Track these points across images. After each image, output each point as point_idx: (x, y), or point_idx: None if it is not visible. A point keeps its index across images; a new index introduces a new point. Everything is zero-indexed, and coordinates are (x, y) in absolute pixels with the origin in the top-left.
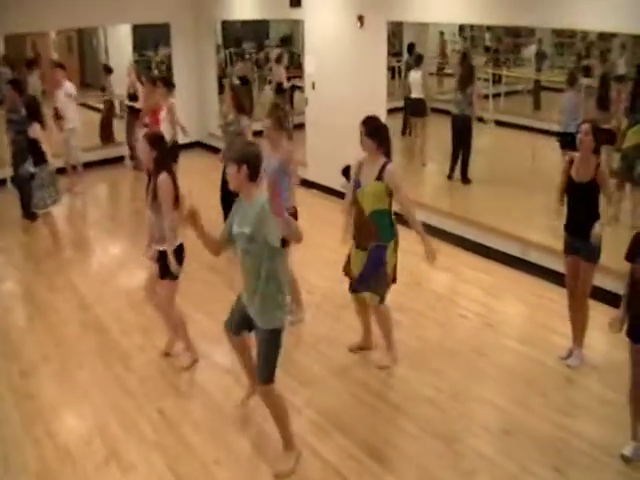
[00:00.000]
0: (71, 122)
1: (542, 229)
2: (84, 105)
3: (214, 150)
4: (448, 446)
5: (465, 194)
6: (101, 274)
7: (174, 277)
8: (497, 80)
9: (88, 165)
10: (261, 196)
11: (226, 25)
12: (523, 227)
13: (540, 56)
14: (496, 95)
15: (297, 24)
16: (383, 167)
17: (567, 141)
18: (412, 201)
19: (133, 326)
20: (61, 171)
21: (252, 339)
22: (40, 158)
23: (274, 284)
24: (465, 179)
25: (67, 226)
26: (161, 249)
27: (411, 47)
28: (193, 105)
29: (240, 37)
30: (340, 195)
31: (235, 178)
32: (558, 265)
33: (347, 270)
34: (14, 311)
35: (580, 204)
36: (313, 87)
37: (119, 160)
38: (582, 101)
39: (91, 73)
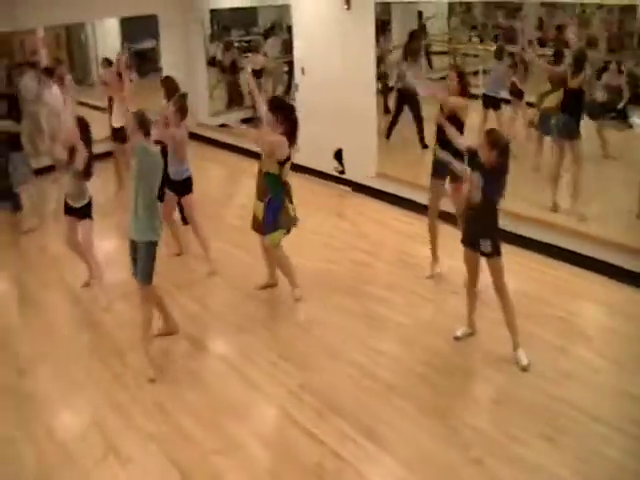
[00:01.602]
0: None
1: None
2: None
3: (203, 140)
4: (441, 422)
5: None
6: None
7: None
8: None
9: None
10: None
11: (214, 14)
12: None
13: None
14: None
15: (285, 9)
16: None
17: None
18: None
19: (126, 319)
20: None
21: None
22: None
23: None
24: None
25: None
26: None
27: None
28: None
29: (228, 25)
30: (333, 179)
31: None
32: (547, 237)
33: (254, 224)
34: (8, 310)
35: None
36: (303, 72)
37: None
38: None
39: (80, 69)
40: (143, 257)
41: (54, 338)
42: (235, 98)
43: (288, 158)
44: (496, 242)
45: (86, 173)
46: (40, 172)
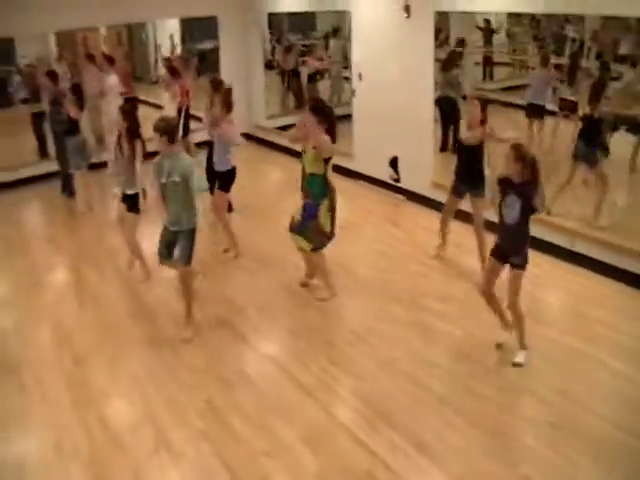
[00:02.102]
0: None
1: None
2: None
3: (260, 141)
4: (494, 439)
5: None
6: (149, 262)
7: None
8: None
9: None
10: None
11: (273, 17)
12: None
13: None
14: None
15: (343, 15)
16: (319, 138)
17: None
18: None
19: (181, 315)
20: None
21: None
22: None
23: None
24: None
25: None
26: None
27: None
28: (240, 97)
29: (287, 29)
30: (387, 186)
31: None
32: (605, 256)
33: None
34: (66, 299)
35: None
36: (360, 78)
37: None
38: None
39: (141, 67)
40: (184, 242)
41: (109, 329)
42: (295, 101)
43: (330, 157)
44: (526, 257)
45: (129, 160)
46: (102, 165)
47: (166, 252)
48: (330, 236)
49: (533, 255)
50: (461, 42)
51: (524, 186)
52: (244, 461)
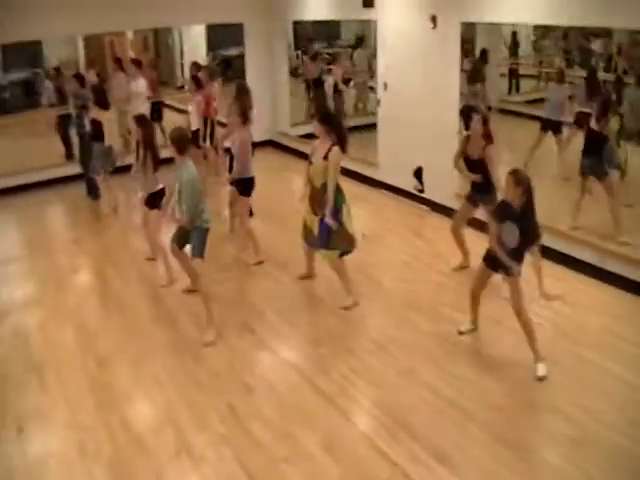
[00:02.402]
0: None
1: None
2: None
3: (284, 149)
4: (516, 453)
5: None
6: (173, 267)
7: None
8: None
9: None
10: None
11: (298, 25)
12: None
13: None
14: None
15: (369, 24)
16: (329, 149)
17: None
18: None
19: (203, 319)
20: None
21: None
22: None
23: None
24: None
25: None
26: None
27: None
28: (265, 104)
29: (312, 37)
30: (411, 197)
31: None
32: (633, 273)
33: (305, 233)
34: (90, 301)
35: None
36: (385, 87)
37: None
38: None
39: (166, 72)
40: (196, 241)
41: (132, 332)
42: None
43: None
44: (519, 265)
45: (143, 164)
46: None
47: (180, 241)
48: (353, 242)
49: (558, 270)
50: (483, 53)
51: (523, 212)
52: (264, 467)
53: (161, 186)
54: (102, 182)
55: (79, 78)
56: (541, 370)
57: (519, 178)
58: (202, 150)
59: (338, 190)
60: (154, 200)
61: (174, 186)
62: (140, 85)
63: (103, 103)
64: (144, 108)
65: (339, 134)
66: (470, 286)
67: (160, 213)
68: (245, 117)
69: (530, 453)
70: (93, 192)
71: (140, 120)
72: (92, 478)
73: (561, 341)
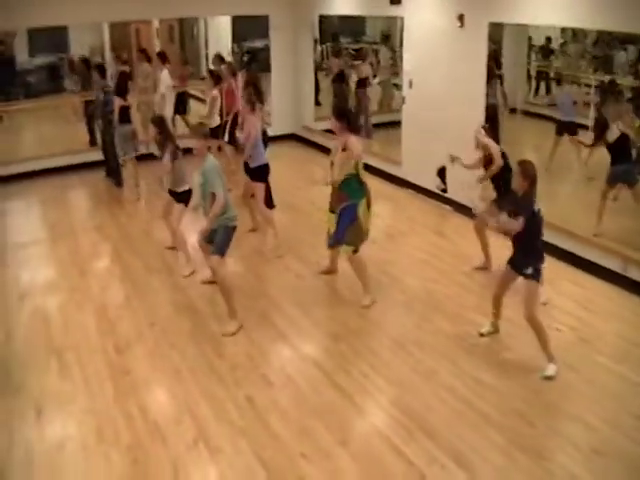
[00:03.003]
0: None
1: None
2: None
3: (308, 143)
4: (535, 461)
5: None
6: (195, 258)
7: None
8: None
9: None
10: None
11: (323, 20)
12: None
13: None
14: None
15: (394, 21)
16: (346, 141)
17: None
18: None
19: (224, 310)
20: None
21: None
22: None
23: None
24: None
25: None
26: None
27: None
28: (289, 98)
29: (337, 32)
30: (434, 196)
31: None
32: None
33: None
34: (111, 289)
35: None
36: (410, 85)
37: None
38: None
39: (191, 63)
40: (219, 238)
41: (152, 320)
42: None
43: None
44: (538, 268)
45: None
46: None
47: (207, 237)
48: (365, 236)
49: (582, 278)
50: (494, 52)
51: (524, 200)
52: (281, 462)
53: (187, 187)
54: (129, 167)
55: (100, 69)
56: (550, 370)
57: (525, 168)
58: (218, 142)
59: (360, 184)
60: (180, 195)
61: (197, 181)
62: (164, 77)
63: (123, 93)
64: (170, 98)
65: (354, 131)
66: (493, 288)
67: (185, 208)
68: (253, 105)
69: (548, 460)
70: (115, 178)
71: (157, 123)
72: (110, 463)
73: (581, 348)
